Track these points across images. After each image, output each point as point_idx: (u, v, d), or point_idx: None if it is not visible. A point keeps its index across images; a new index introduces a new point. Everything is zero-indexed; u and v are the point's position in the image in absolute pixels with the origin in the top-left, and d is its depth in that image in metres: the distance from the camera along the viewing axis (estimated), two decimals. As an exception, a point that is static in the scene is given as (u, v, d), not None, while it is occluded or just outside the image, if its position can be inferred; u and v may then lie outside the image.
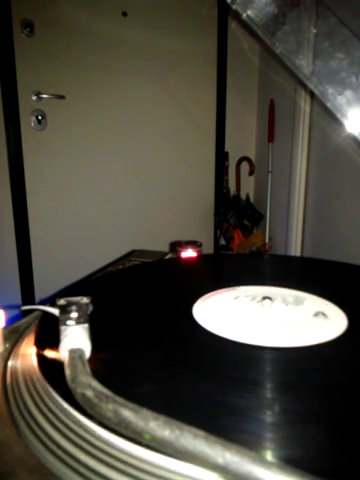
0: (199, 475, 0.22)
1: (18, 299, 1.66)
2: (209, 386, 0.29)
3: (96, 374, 0.26)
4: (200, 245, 0.66)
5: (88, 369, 0.26)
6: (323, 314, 0.42)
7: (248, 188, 2.06)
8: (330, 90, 0.57)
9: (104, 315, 0.41)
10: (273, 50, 0.59)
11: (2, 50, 1.48)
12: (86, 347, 0.29)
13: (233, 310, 0.43)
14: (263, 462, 0.19)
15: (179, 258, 0.64)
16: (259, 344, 0.35)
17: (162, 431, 0.20)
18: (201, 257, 0.65)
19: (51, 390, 0.29)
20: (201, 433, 0.20)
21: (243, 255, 1.25)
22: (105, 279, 0.55)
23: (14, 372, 0.33)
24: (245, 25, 0.65)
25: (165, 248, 0.86)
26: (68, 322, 0.30)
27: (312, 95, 1.48)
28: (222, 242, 1.99)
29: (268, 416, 0.26)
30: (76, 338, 0.29)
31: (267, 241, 1.82)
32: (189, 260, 0.63)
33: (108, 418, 0.22)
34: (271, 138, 1.80)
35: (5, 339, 0.38)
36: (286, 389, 0.29)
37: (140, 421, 0.21)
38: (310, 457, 0.23)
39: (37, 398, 0.29)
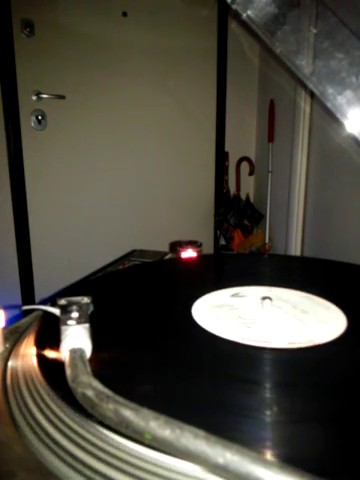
0: (199, 474, 0.22)
1: (18, 299, 1.66)
2: (209, 386, 0.30)
3: (97, 374, 0.26)
4: (200, 245, 0.66)
5: (89, 369, 0.26)
6: (322, 313, 0.42)
7: (248, 188, 2.06)
8: (330, 90, 0.57)
9: (104, 315, 0.41)
10: (273, 50, 0.59)
11: (2, 50, 1.48)
12: (87, 347, 0.29)
13: (233, 310, 0.43)
14: (263, 462, 0.19)
15: (179, 258, 0.64)
16: (259, 344, 0.35)
17: (163, 431, 0.21)
18: (201, 257, 0.65)
19: (51, 390, 0.29)
20: (201, 433, 0.20)
21: (243, 255, 1.25)
22: (105, 279, 0.55)
23: (14, 372, 0.33)
24: (245, 25, 0.65)
25: (165, 248, 0.86)
26: (69, 322, 0.30)
27: (312, 95, 1.48)
28: (222, 242, 1.99)
29: (268, 416, 0.26)
30: (77, 338, 0.29)
31: (267, 241, 1.82)
32: (189, 260, 0.63)
33: (109, 418, 0.22)
34: (271, 138, 1.80)
35: (5, 339, 0.38)
36: (286, 389, 0.29)
37: (141, 421, 0.21)
38: (310, 457, 0.23)
39: (37, 398, 0.29)
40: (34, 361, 0.33)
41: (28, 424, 0.27)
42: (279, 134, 1.77)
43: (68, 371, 0.26)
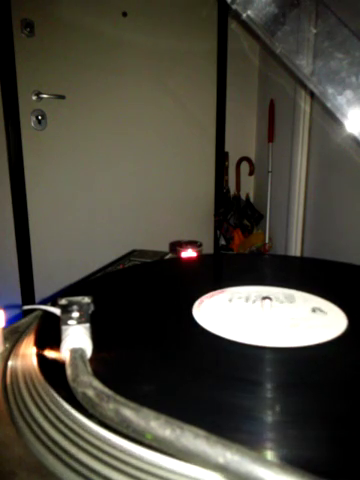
0: (200, 475, 0.22)
1: (18, 299, 1.66)
2: (209, 386, 0.29)
3: (97, 374, 0.26)
4: (200, 245, 0.66)
5: (89, 369, 0.26)
6: (322, 313, 0.42)
7: (248, 188, 2.06)
8: (330, 90, 0.57)
9: (105, 315, 0.41)
10: (273, 50, 0.59)
11: (2, 50, 1.48)
12: (87, 347, 0.29)
13: (233, 310, 0.43)
14: (264, 462, 0.19)
15: (179, 258, 0.64)
16: (259, 344, 0.35)
17: (163, 431, 0.20)
18: (201, 257, 0.65)
19: (51, 390, 0.29)
20: (202, 433, 0.20)
21: (243, 255, 1.25)
22: (105, 279, 0.55)
23: (14, 372, 0.33)
24: (245, 25, 0.65)
25: (165, 248, 0.86)
26: (69, 322, 0.30)
27: (312, 95, 1.48)
28: (222, 242, 1.99)
29: (268, 416, 0.26)
30: (77, 338, 0.29)
31: (267, 241, 1.82)
32: (189, 260, 0.63)
33: (109, 418, 0.22)
34: (271, 138, 1.80)
35: (5, 339, 0.38)
36: (286, 389, 0.29)
37: (141, 421, 0.21)
38: (310, 457, 0.23)
39: (37, 398, 0.29)
40: (34, 361, 0.33)
41: (28, 424, 0.27)
42: (279, 134, 1.77)
43: (68, 371, 0.26)
